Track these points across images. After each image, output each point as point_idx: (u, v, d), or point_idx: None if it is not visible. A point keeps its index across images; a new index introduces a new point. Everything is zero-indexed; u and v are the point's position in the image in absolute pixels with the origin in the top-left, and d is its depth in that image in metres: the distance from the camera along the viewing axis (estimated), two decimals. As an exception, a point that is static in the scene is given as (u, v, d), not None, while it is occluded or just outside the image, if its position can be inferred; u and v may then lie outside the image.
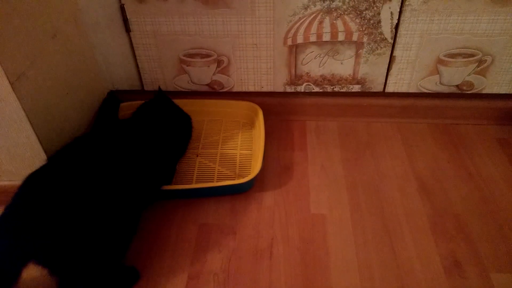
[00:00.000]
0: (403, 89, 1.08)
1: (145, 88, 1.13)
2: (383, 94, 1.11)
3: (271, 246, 0.84)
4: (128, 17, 1.00)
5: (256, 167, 0.93)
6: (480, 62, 1.02)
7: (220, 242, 0.85)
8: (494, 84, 1.06)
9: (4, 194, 0.86)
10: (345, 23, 0.98)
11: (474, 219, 0.88)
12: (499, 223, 0.87)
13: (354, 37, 1.00)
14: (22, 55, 0.78)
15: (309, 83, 1.09)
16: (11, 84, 0.75)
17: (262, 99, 1.13)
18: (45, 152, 0.85)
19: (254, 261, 0.82)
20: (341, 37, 1.00)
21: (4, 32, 0.73)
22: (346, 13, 0.96)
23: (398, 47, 1.01)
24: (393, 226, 0.87)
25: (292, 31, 0.99)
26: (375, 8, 0.95)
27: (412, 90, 1.08)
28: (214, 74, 1.09)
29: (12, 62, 0.75)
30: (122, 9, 0.98)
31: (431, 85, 1.07)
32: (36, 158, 0.86)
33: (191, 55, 1.05)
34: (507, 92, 1.07)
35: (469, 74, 1.04)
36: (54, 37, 0.88)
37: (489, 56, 1.01)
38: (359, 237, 0.85)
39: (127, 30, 1.02)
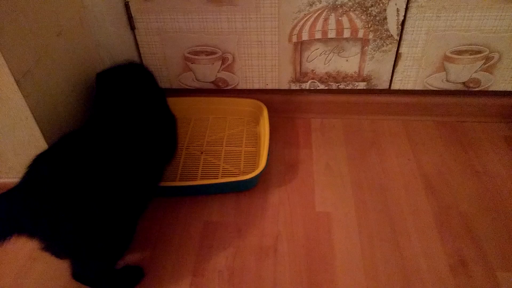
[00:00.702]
0: (409, 86, 1.07)
1: (150, 86, 1.13)
2: (388, 91, 1.10)
3: (276, 244, 0.84)
4: (132, 15, 1.00)
5: (260, 165, 0.93)
6: (487, 59, 1.01)
7: (224, 240, 0.85)
8: (501, 81, 1.04)
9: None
10: (350, 20, 0.97)
11: (481, 217, 0.87)
12: (506, 221, 0.86)
13: (360, 34, 0.99)
14: (27, 53, 0.78)
15: (314, 81, 1.09)
16: (17, 81, 0.75)
17: (267, 96, 1.13)
18: (51, 149, 0.85)
19: (259, 258, 0.82)
20: (346, 34, 0.99)
21: (9, 30, 0.73)
22: (351, 9, 0.95)
23: (404, 44, 1.00)
24: (398, 224, 0.87)
25: (297, 28, 0.99)
26: (381, 5, 0.94)
27: (418, 87, 1.07)
28: (218, 71, 1.09)
29: (17, 60, 0.75)
30: (126, 6, 0.98)
31: (437, 82, 1.06)
32: (41, 155, 0.86)
33: (196, 53, 1.05)
34: (514, 89, 1.06)
35: (476, 71, 1.03)
36: (59, 34, 0.89)
37: (496, 53, 1.00)
38: (364, 235, 0.85)
39: (132, 27, 1.02)
